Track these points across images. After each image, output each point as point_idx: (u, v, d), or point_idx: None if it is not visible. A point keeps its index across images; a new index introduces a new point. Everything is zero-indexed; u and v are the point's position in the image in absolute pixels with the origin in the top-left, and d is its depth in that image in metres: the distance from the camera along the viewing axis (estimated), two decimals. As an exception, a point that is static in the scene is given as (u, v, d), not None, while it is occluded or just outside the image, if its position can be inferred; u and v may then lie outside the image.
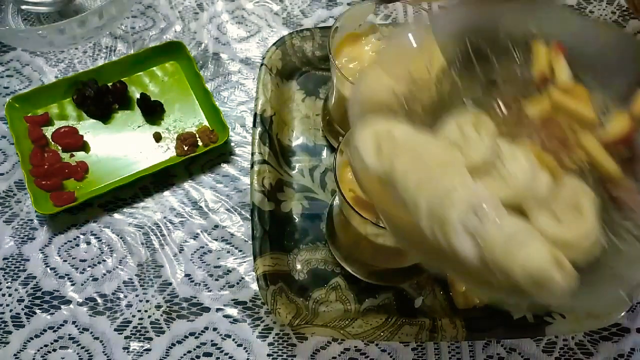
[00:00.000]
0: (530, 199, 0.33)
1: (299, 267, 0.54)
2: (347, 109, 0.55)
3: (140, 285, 0.54)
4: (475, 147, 0.34)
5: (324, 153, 0.61)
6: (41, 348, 0.51)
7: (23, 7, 0.69)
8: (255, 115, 0.59)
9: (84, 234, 0.56)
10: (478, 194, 0.31)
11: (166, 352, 0.50)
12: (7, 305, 0.53)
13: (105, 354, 0.50)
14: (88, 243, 0.56)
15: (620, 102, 0.35)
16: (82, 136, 0.61)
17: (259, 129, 0.58)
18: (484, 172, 0.33)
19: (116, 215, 0.57)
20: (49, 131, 0.61)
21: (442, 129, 0.35)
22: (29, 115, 0.62)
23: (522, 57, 0.38)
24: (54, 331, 0.51)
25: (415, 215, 0.31)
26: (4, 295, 0.53)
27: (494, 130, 0.35)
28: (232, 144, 0.62)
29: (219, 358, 0.50)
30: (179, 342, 0.51)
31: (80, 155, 0.61)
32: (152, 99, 0.63)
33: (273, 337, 0.51)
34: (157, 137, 0.62)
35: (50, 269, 0.54)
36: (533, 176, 0.33)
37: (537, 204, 0.33)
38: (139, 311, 0.52)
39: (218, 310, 0.52)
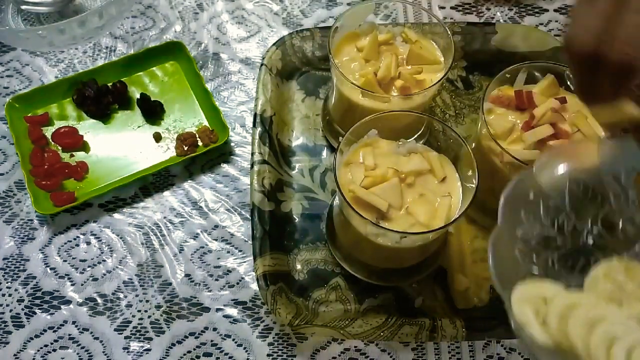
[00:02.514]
0: None
1: (299, 267, 0.54)
2: (347, 109, 0.55)
3: (140, 285, 0.54)
4: (638, 298, 0.33)
5: (324, 153, 0.61)
6: (41, 348, 0.51)
7: (23, 7, 0.69)
8: (255, 115, 0.59)
9: (84, 234, 0.56)
10: None
11: (166, 352, 0.50)
12: (7, 305, 0.53)
13: (105, 354, 0.50)
14: (88, 243, 0.56)
15: None
16: (82, 136, 0.61)
17: (259, 129, 0.58)
18: None
19: (116, 215, 0.57)
20: (49, 131, 0.61)
21: (592, 283, 0.35)
22: (29, 115, 0.62)
23: (632, 194, 0.38)
24: (54, 331, 0.51)
25: None
26: (4, 295, 0.53)
27: None
28: (232, 144, 0.62)
29: (219, 358, 0.50)
30: (179, 342, 0.51)
31: (80, 155, 0.61)
32: (152, 99, 0.63)
33: (273, 337, 0.51)
34: (157, 137, 0.62)
35: (50, 269, 0.54)
36: None
37: None
38: (139, 311, 0.52)
39: (218, 310, 0.52)
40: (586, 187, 0.39)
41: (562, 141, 0.48)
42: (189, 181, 0.60)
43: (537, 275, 0.36)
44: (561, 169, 0.38)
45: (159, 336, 0.51)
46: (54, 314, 0.52)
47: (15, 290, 0.53)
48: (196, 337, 0.51)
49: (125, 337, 0.51)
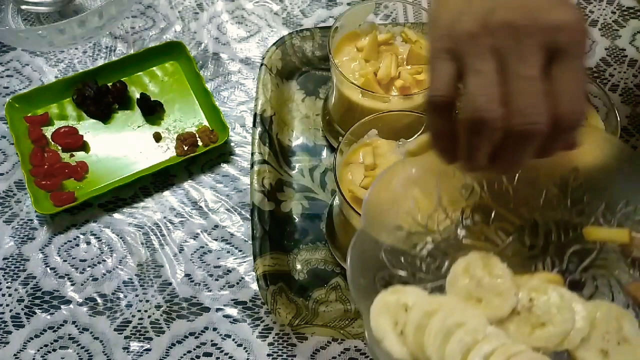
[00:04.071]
0: (573, 338, 0.31)
1: (299, 267, 0.54)
2: (347, 109, 0.55)
3: (140, 285, 0.54)
4: (496, 292, 0.32)
5: (324, 153, 0.61)
6: (41, 348, 0.51)
7: (23, 7, 0.69)
8: (255, 115, 0.59)
9: (83, 234, 0.56)
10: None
11: (166, 352, 0.50)
12: (7, 305, 0.53)
13: (105, 354, 0.50)
14: (88, 243, 0.56)
15: None
16: (82, 136, 0.61)
17: (259, 129, 0.58)
18: (513, 314, 0.32)
19: (116, 215, 0.57)
20: (49, 131, 0.61)
21: (452, 281, 0.34)
22: (29, 115, 0.62)
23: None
24: (54, 331, 0.51)
25: None
26: (4, 295, 0.53)
27: (507, 269, 0.33)
28: (232, 144, 0.62)
29: (219, 358, 0.50)
30: (179, 342, 0.51)
31: (80, 155, 0.61)
32: (152, 99, 0.63)
33: (273, 337, 0.51)
34: (157, 137, 0.62)
35: (50, 269, 0.54)
36: (569, 310, 0.31)
37: (581, 342, 0.31)
38: (138, 311, 0.52)
39: (218, 310, 0.52)
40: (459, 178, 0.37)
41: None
42: (189, 181, 0.60)
43: (403, 280, 0.34)
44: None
45: (159, 336, 0.51)
46: (54, 314, 0.52)
47: (15, 290, 0.53)
48: (196, 337, 0.51)
49: (125, 337, 0.51)
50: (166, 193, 0.59)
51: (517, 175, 0.37)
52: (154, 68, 0.66)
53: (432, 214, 0.37)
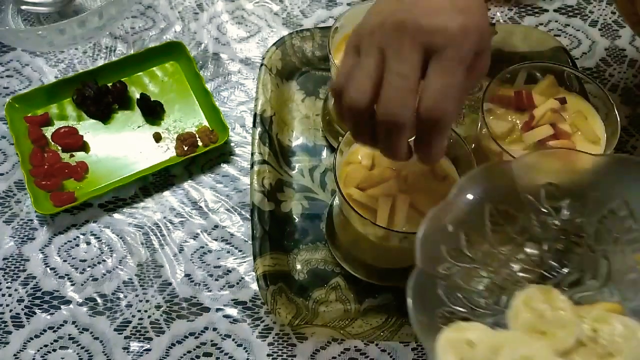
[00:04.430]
0: None
1: (299, 267, 0.54)
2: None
3: (140, 285, 0.54)
4: (560, 324, 0.32)
5: (324, 153, 0.61)
6: (41, 348, 0.51)
7: (23, 7, 0.69)
8: (255, 116, 0.59)
9: (83, 234, 0.56)
10: None
11: (166, 352, 0.50)
12: (7, 305, 0.53)
13: (105, 354, 0.50)
14: (88, 243, 0.56)
15: None
16: (82, 136, 0.61)
17: (258, 129, 0.58)
18: (578, 345, 0.32)
19: (116, 215, 0.57)
20: (48, 131, 0.61)
21: (514, 316, 0.34)
22: (29, 115, 0.62)
23: (547, 205, 0.37)
24: (54, 331, 0.51)
25: None
26: (4, 295, 0.53)
27: (567, 300, 0.33)
28: (232, 144, 0.62)
29: (219, 358, 0.50)
30: (179, 342, 0.51)
31: (80, 155, 0.61)
32: (152, 99, 0.63)
33: (273, 337, 0.51)
34: (157, 137, 0.62)
35: (50, 269, 0.54)
36: (636, 338, 0.31)
37: None
38: (138, 311, 0.52)
39: (218, 310, 0.52)
40: (505, 210, 0.37)
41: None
42: (189, 181, 0.60)
43: (462, 316, 0.34)
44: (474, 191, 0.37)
45: (159, 336, 0.51)
46: (54, 314, 0.52)
47: (15, 290, 0.53)
48: (196, 337, 0.51)
49: (125, 337, 0.51)
50: (166, 193, 0.59)
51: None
52: (154, 68, 0.66)
53: (485, 249, 0.37)
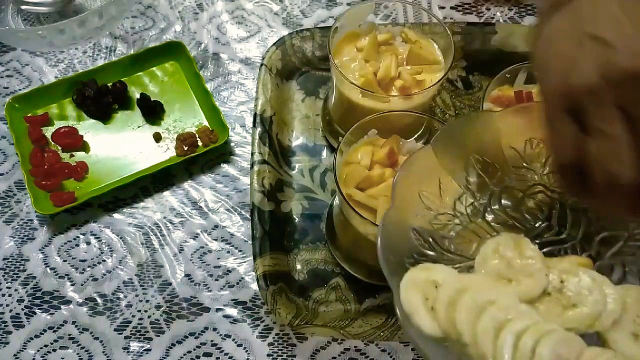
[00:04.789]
0: (604, 320, 0.31)
1: (299, 267, 0.54)
2: (347, 109, 0.55)
3: (140, 285, 0.54)
4: (527, 273, 0.32)
5: (324, 153, 0.61)
6: (41, 348, 0.51)
7: (23, 7, 0.69)
8: (255, 115, 0.59)
9: (84, 234, 0.56)
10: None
11: (166, 352, 0.50)
12: (7, 305, 0.53)
13: (105, 354, 0.50)
14: (88, 243, 0.56)
15: None
16: (82, 136, 0.61)
17: (258, 129, 0.58)
18: (544, 295, 0.32)
19: (116, 215, 0.57)
20: (48, 131, 0.61)
21: (482, 261, 0.34)
22: (29, 115, 0.62)
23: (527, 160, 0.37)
24: (54, 331, 0.51)
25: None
26: (4, 295, 0.53)
27: (538, 250, 0.34)
28: (232, 144, 0.62)
29: (219, 358, 0.50)
30: (179, 342, 0.51)
31: (80, 155, 0.61)
32: (152, 99, 0.63)
33: (273, 337, 0.51)
34: (157, 137, 0.62)
35: (50, 269, 0.54)
36: (601, 292, 0.32)
37: (612, 324, 0.31)
38: (138, 311, 0.52)
39: (218, 310, 0.52)
40: (486, 163, 0.37)
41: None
42: (189, 181, 0.60)
43: (432, 259, 0.35)
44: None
45: (159, 336, 0.51)
46: (54, 314, 0.52)
47: (15, 290, 0.53)
48: (196, 337, 0.51)
49: (125, 337, 0.51)
50: (166, 193, 0.59)
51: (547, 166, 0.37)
52: (154, 68, 0.66)
53: (460, 196, 0.37)
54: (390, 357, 0.51)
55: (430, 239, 0.36)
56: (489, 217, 0.37)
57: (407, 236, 0.35)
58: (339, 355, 0.51)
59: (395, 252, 0.33)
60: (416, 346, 0.31)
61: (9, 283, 0.54)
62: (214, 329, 0.51)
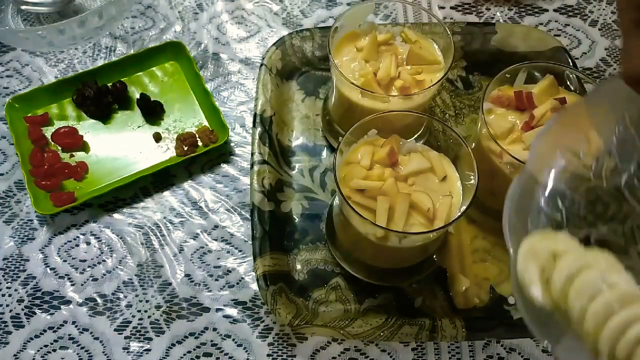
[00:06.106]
0: None
1: (299, 267, 0.54)
2: (347, 109, 0.55)
3: (140, 286, 0.54)
4: None
5: (324, 153, 0.61)
6: (41, 348, 0.51)
7: (23, 7, 0.69)
8: (255, 116, 0.59)
9: (83, 234, 0.56)
10: None
11: (166, 352, 0.50)
12: (7, 305, 0.53)
13: (105, 354, 0.50)
14: (88, 243, 0.56)
15: None
16: (81, 136, 0.61)
17: (258, 129, 0.58)
18: None
19: (116, 216, 0.57)
20: (48, 131, 0.61)
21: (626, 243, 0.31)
22: (29, 115, 0.62)
23: None
24: (54, 331, 0.51)
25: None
26: (4, 295, 0.53)
27: None
28: (232, 144, 0.62)
29: (219, 358, 0.50)
30: (179, 342, 0.51)
31: (80, 155, 0.61)
32: (152, 99, 0.63)
33: (273, 337, 0.51)
34: (157, 137, 0.62)
35: (50, 269, 0.54)
36: None
37: None
38: (138, 311, 0.52)
39: (218, 310, 0.52)
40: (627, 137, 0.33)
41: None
42: (189, 181, 0.60)
43: (554, 224, 0.32)
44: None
45: (159, 336, 0.51)
46: (54, 314, 0.52)
47: (15, 290, 0.53)
48: (196, 337, 0.51)
49: (125, 337, 0.51)
50: (166, 193, 0.59)
51: None
52: (154, 68, 0.66)
53: (602, 158, 0.34)
54: (390, 357, 0.51)
55: (559, 202, 0.33)
56: (625, 191, 0.33)
57: (536, 195, 0.32)
58: (339, 355, 0.51)
59: (519, 213, 0.31)
60: (522, 315, 0.30)
61: (9, 283, 0.54)
62: (214, 329, 0.51)
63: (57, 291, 0.53)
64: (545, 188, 0.33)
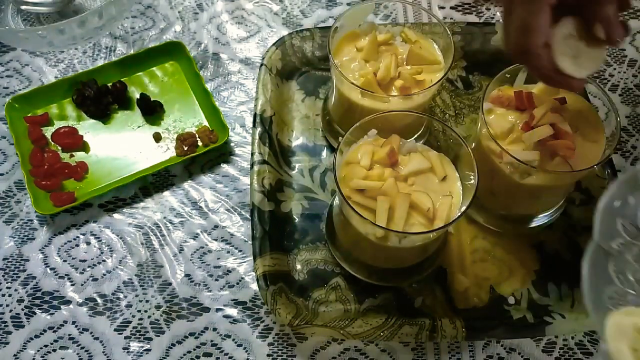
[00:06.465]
0: None
1: (299, 267, 0.54)
2: (347, 109, 0.55)
3: (140, 286, 0.54)
4: None
5: (324, 153, 0.61)
6: (41, 348, 0.51)
7: (23, 7, 0.69)
8: (255, 116, 0.59)
9: (83, 234, 0.56)
10: None
11: (166, 352, 0.50)
12: (7, 305, 0.53)
13: (105, 354, 0.50)
14: (88, 243, 0.56)
15: None
16: (81, 136, 0.61)
17: (258, 129, 0.58)
18: None
19: (116, 216, 0.57)
20: (48, 131, 0.61)
21: None
22: (29, 115, 0.62)
23: None
24: (54, 331, 0.51)
25: None
26: (4, 295, 0.53)
27: None
28: (232, 144, 0.62)
29: (219, 358, 0.50)
30: (179, 342, 0.51)
31: (80, 155, 0.61)
32: (152, 99, 0.63)
33: (273, 337, 0.51)
34: (157, 137, 0.62)
35: (50, 269, 0.54)
36: None
37: None
38: (138, 311, 0.52)
39: (218, 310, 0.52)
40: None
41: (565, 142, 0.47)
42: (189, 181, 0.60)
43: (631, 298, 0.32)
44: None
45: (159, 336, 0.51)
46: (54, 314, 0.52)
47: (15, 290, 0.53)
48: (196, 337, 0.51)
49: (125, 337, 0.51)
50: (166, 193, 0.59)
51: None
52: (154, 68, 0.66)
53: None
54: (390, 357, 0.51)
55: (630, 277, 0.33)
56: None
57: (607, 273, 0.32)
58: (339, 355, 0.51)
59: (595, 291, 0.31)
60: None
61: (9, 283, 0.54)
62: (214, 329, 0.51)
63: (57, 291, 0.53)
64: (615, 264, 0.33)
